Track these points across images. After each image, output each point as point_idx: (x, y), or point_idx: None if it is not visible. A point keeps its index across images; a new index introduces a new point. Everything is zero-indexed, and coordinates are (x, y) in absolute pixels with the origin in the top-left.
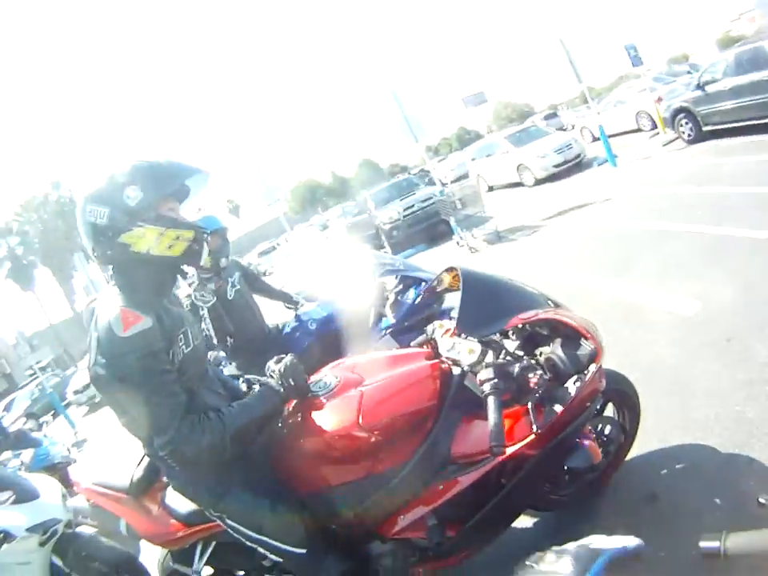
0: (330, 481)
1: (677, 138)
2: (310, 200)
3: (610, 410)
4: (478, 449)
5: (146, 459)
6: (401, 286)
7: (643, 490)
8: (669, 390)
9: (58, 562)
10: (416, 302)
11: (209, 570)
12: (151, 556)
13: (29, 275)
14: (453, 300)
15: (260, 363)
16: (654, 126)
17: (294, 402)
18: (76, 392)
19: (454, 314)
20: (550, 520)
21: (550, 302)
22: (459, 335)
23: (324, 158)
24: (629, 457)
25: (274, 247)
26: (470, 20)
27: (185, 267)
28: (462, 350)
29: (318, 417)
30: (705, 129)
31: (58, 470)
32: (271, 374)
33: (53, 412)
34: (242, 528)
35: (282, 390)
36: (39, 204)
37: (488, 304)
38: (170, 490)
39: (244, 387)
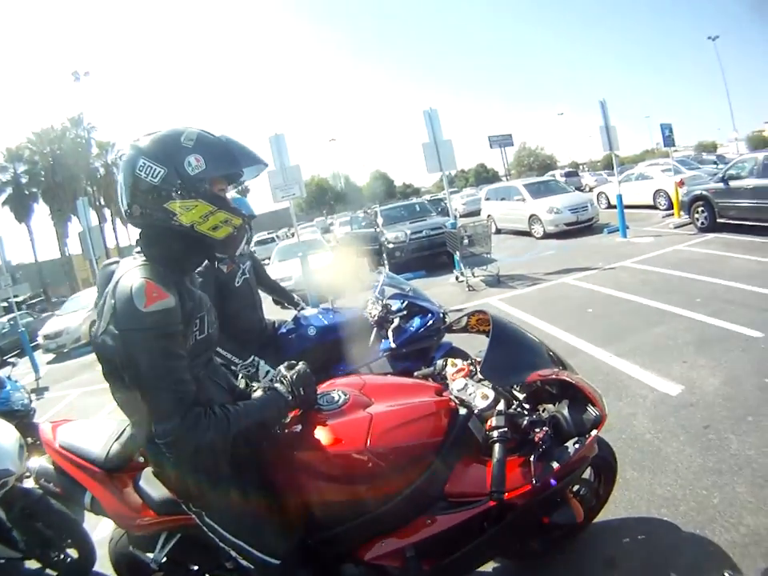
0: (320, 496)
1: (689, 223)
2: (317, 200)
3: (587, 473)
4: (473, 490)
5: (126, 434)
6: (405, 312)
7: (603, 554)
8: (640, 463)
9: (1, 514)
10: (419, 331)
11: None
12: (97, 529)
13: (27, 207)
14: (453, 341)
15: (248, 355)
16: (670, 207)
17: (299, 411)
18: (47, 337)
19: (477, 357)
20: (511, 569)
21: (562, 363)
22: (472, 377)
23: (340, 161)
24: (594, 520)
25: (273, 238)
26: (514, 63)
27: (218, 254)
28: (475, 393)
29: (322, 431)
30: (719, 220)
31: (17, 417)
32: (281, 379)
33: (18, 351)
34: (219, 528)
35: (290, 397)
36: (55, 137)
37: (512, 354)
38: (146, 473)
39: (242, 384)
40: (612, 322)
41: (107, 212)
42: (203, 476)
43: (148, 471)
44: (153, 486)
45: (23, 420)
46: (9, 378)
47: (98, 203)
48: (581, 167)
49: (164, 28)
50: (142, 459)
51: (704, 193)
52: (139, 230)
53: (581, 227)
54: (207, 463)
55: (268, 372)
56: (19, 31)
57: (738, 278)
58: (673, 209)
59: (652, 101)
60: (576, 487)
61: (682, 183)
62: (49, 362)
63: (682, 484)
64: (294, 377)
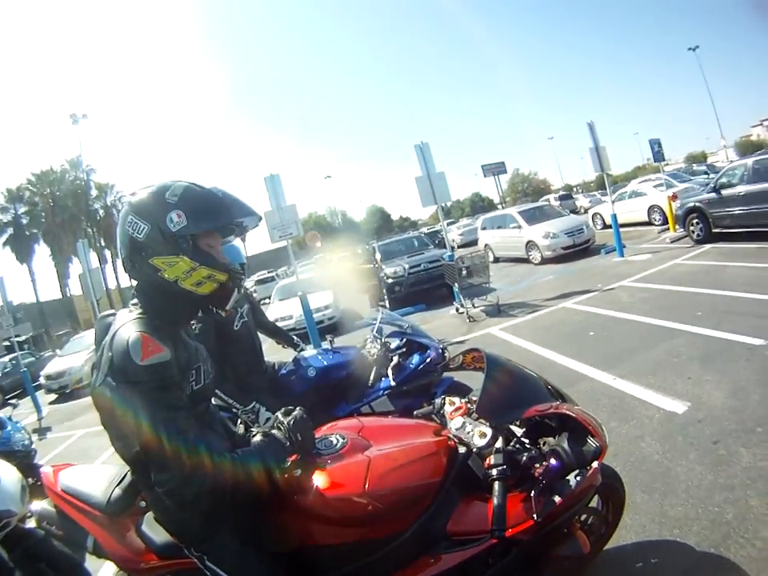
0: (320, 540)
1: (685, 236)
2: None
3: (594, 501)
4: (475, 528)
5: (127, 480)
6: (404, 349)
7: None
8: (650, 485)
9: (3, 554)
10: (419, 368)
11: None
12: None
13: (28, 248)
14: (454, 376)
15: (249, 398)
16: (665, 222)
17: (296, 457)
18: (48, 377)
19: (473, 395)
20: None
21: (560, 395)
22: (470, 415)
23: (336, 197)
24: (605, 546)
25: (273, 277)
26: (502, 90)
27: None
28: (473, 432)
29: (321, 476)
30: (714, 230)
31: (18, 457)
32: (279, 425)
33: (20, 391)
34: (220, 572)
35: (287, 444)
36: (54, 179)
37: (508, 392)
38: (148, 517)
39: (241, 429)
40: (614, 343)
41: (107, 253)
42: (203, 521)
43: (150, 516)
44: (155, 530)
45: (24, 461)
46: (10, 418)
47: (98, 244)
48: (574, 189)
49: (161, 71)
50: (143, 504)
51: (697, 204)
52: (135, 282)
53: (578, 250)
54: (207, 509)
55: (268, 419)
56: (18, 74)
57: (737, 287)
58: (668, 223)
59: (639, 117)
60: (583, 517)
61: (675, 197)
62: (51, 402)
63: (693, 503)
64: (291, 423)
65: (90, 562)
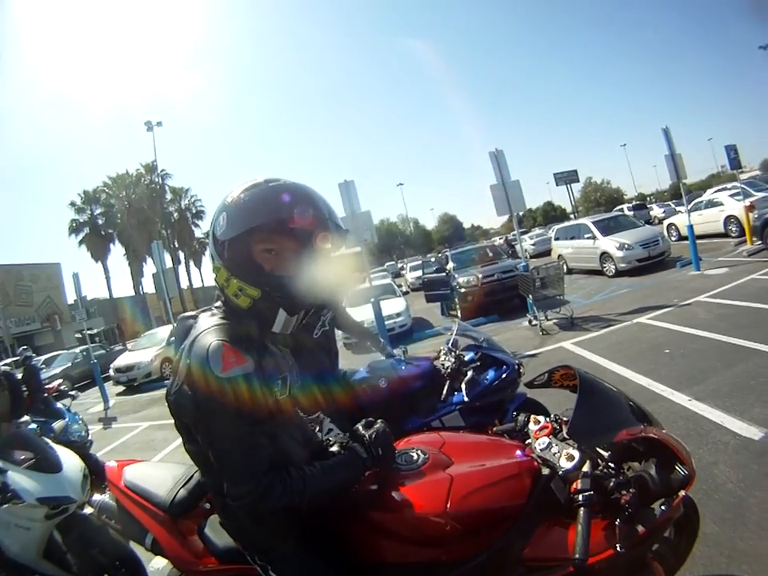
0: (391, 558)
1: (763, 249)
2: (387, 244)
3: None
4: (554, 555)
5: (193, 481)
6: (479, 364)
7: None
8: (722, 516)
9: (58, 537)
10: (493, 384)
11: None
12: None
13: (104, 247)
14: (528, 390)
15: (316, 402)
16: (742, 233)
17: (373, 471)
18: (118, 370)
19: (564, 416)
20: None
21: (645, 415)
22: (556, 435)
23: (408, 204)
24: None
25: None
26: (574, 96)
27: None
28: (559, 454)
29: (399, 492)
30: None
31: (73, 448)
32: (360, 438)
33: (88, 381)
34: None
35: (368, 458)
36: (130, 182)
37: (600, 413)
38: (212, 521)
39: (319, 435)
40: (690, 362)
41: (181, 254)
42: (272, 531)
43: (214, 519)
44: (218, 534)
45: (80, 451)
46: (68, 409)
47: (172, 245)
48: (648, 198)
49: (239, 78)
50: (208, 506)
51: None
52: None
53: (653, 262)
54: (279, 521)
55: (330, 430)
56: (97, 80)
57: None
58: (745, 235)
59: (713, 121)
60: (655, 546)
61: (752, 207)
62: (118, 394)
63: (766, 537)
64: (373, 436)
65: (141, 553)
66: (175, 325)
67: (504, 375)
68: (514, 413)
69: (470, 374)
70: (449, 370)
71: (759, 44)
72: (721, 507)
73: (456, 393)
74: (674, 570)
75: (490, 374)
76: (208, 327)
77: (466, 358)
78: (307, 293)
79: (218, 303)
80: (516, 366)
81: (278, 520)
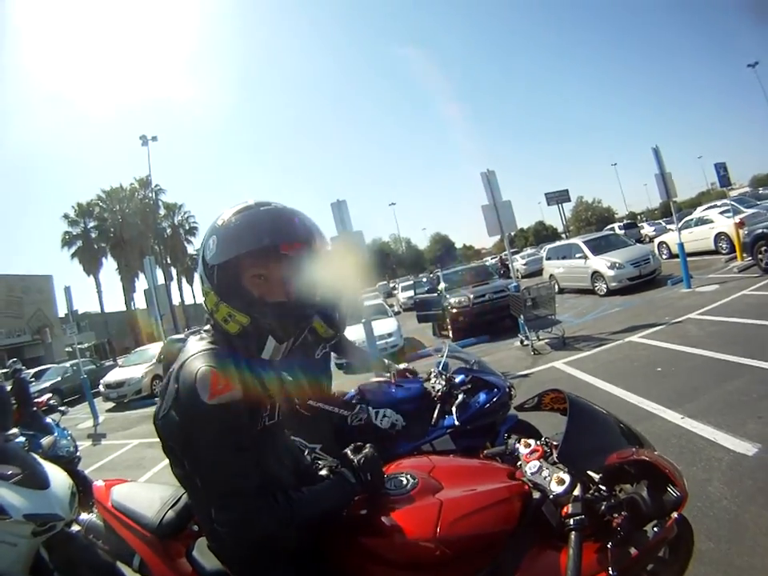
0: None
1: (753, 265)
2: (379, 265)
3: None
4: None
5: (182, 502)
6: (469, 386)
7: None
8: (716, 533)
9: (45, 555)
10: (485, 407)
11: None
12: None
13: (96, 261)
14: (518, 414)
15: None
16: (732, 250)
17: (362, 496)
18: (108, 386)
19: (554, 440)
20: None
21: (635, 436)
22: (547, 459)
23: (400, 224)
24: None
25: None
26: (564, 116)
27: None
28: (550, 478)
29: (389, 517)
30: None
31: (61, 463)
32: (348, 462)
33: (77, 396)
34: None
35: (356, 482)
36: (124, 197)
37: (590, 436)
38: (200, 543)
39: (308, 459)
40: (682, 380)
41: (173, 271)
42: (260, 556)
43: (202, 541)
44: (206, 557)
45: (67, 467)
46: (57, 424)
47: (164, 261)
48: (639, 217)
49: (235, 95)
50: (196, 528)
51: (766, 231)
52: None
53: (644, 281)
54: (267, 547)
55: (313, 451)
56: (92, 94)
57: None
58: (735, 252)
59: (702, 140)
60: (649, 567)
61: (742, 224)
62: (108, 410)
63: (761, 553)
64: (362, 461)
65: (129, 573)
66: (164, 346)
67: (495, 398)
68: (506, 435)
69: (460, 396)
70: (439, 393)
71: (747, 62)
72: (716, 524)
73: (447, 416)
74: None
75: (481, 396)
76: (196, 352)
77: (457, 380)
78: (307, 311)
79: (207, 327)
80: (507, 389)
81: (266, 546)
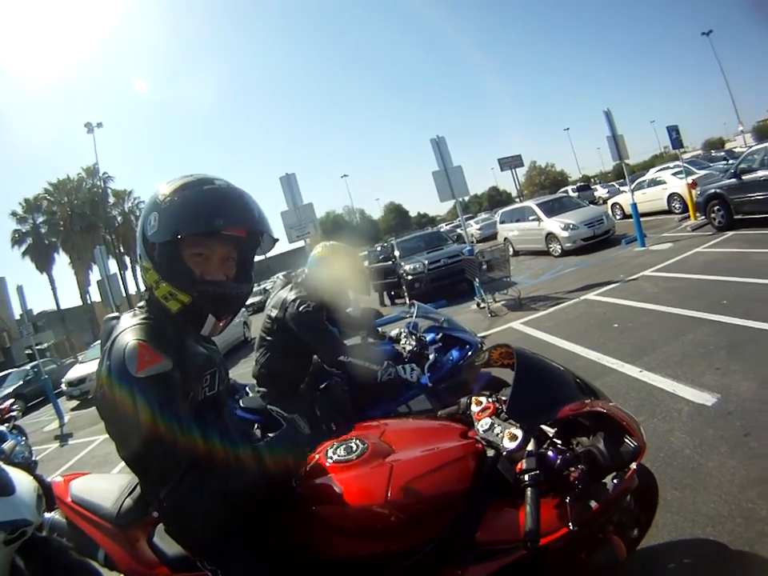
0: (341, 552)
1: (706, 224)
2: (333, 237)
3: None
4: (506, 537)
5: (138, 490)
6: (441, 344)
7: None
8: (681, 482)
9: (21, 563)
10: (458, 364)
11: None
12: None
13: (48, 256)
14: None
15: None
16: (685, 210)
17: (313, 465)
18: (70, 384)
19: (502, 395)
20: None
21: (591, 390)
22: (499, 416)
23: (354, 196)
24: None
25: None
26: (516, 83)
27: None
28: (502, 434)
29: (339, 484)
30: (736, 217)
31: (21, 468)
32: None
33: (42, 398)
34: None
35: (309, 433)
36: (72, 188)
37: (540, 390)
38: (160, 528)
39: (258, 434)
40: (639, 335)
41: (127, 259)
42: (216, 533)
43: (162, 527)
44: (166, 542)
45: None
46: (11, 431)
47: (117, 250)
48: (592, 180)
49: (177, 76)
50: (156, 514)
51: (718, 191)
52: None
53: (598, 241)
54: (218, 522)
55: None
56: (32, 83)
57: (763, 274)
58: (688, 211)
59: (655, 105)
60: (615, 518)
61: (694, 184)
62: (73, 409)
63: (726, 499)
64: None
65: (105, 572)
66: (101, 327)
67: (468, 354)
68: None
69: (432, 356)
70: (410, 354)
71: (702, 30)
72: (680, 473)
73: (419, 376)
74: (638, 539)
75: (454, 354)
76: (127, 327)
77: (428, 339)
78: (245, 290)
79: (141, 303)
80: (479, 345)
81: (223, 521)
